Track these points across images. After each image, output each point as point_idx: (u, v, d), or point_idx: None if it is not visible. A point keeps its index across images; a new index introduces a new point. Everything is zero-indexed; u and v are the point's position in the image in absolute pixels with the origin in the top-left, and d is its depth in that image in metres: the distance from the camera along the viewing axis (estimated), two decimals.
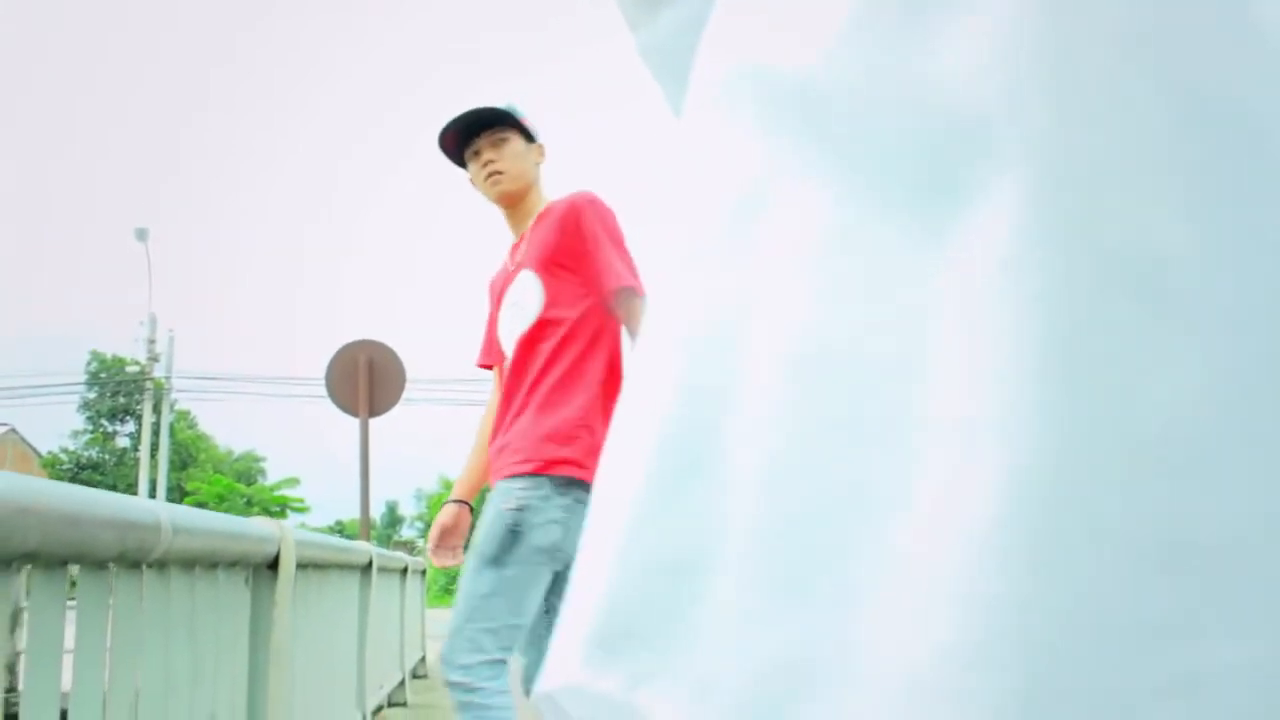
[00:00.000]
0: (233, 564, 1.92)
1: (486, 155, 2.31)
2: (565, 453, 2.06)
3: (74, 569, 1.22)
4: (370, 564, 3.86)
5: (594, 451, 2.04)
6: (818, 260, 0.32)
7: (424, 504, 59.37)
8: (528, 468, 2.07)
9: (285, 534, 2.20)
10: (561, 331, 2.16)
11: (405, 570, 5.72)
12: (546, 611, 2.15)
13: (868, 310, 0.31)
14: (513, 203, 2.33)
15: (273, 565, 2.17)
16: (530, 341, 2.19)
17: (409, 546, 8.72)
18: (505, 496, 2.07)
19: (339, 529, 68.30)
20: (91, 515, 1.18)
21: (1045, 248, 0.28)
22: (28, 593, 1.12)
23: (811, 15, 0.34)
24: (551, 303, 2.17)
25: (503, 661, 2.07)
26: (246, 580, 2.06)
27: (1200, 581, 0.25)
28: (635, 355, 0.40)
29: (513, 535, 2.03)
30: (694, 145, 0.40)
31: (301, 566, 2.42)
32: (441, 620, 3.08)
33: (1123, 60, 0.28)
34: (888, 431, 0.29)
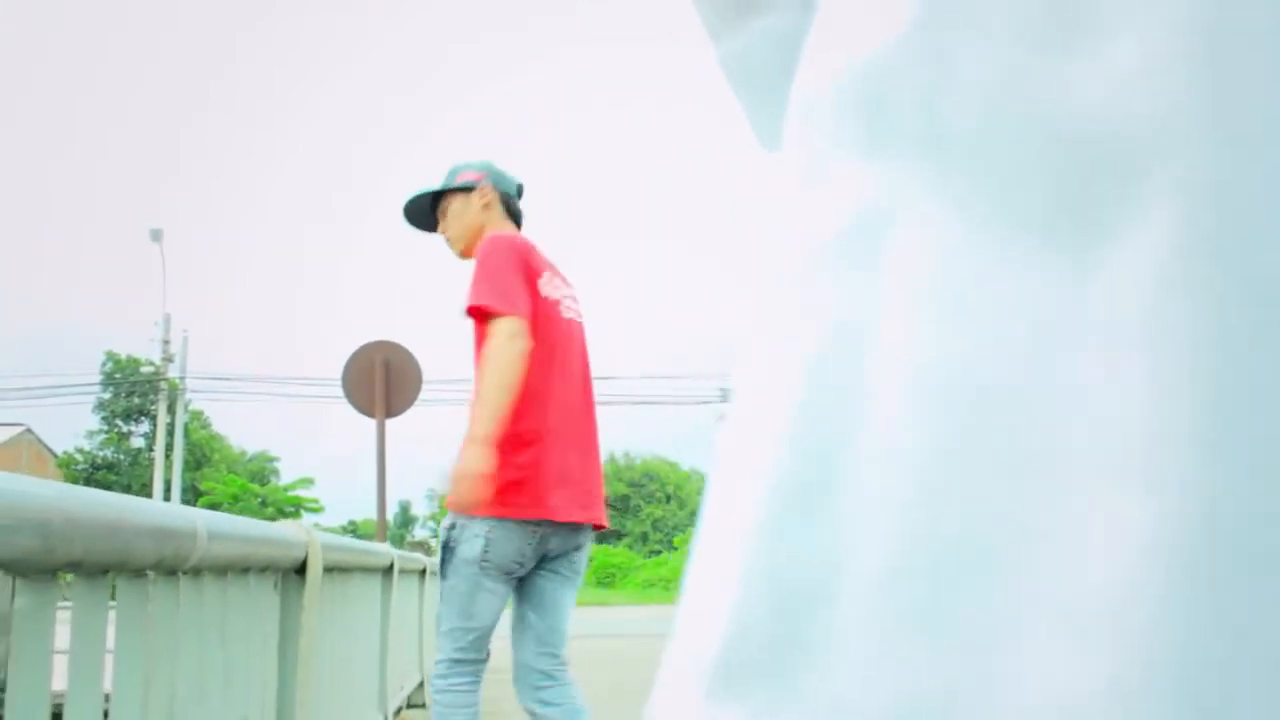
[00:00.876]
0: (263, 569, 1.93)
1: (441, 227, 2.66)
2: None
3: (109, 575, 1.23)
4: (392, 566, 3.87)
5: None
6: (944, 283, 0.31)
7: (436, 504, 59.48)
8: None
9: (312, 538, 2.21)
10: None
11: (424, 571, 5.73)
12: (538, 618, 2.42)
13: (1002, 335, 0.30)
14: (471, 254, 2.52)
15: (300, 570, 2.18)
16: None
17: (424, 547, 8.67)
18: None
19: (352, 528, 68.43)
20: (132, 524, 1.18)
21: (1200, 275, 0.27)
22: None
23: (929, 31, 0.34)
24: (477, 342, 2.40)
25: (461, 661, 2.35)
26: (275, 585, 2.07)
27: None
28: (740, 376, 0.39)
29: (446, 550, 2.37)
30: (798, 162, 0.39)
31: (327, 570, 2.43)
32: None
33: None
34: (1029, 460, 0.29)
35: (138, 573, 1.27)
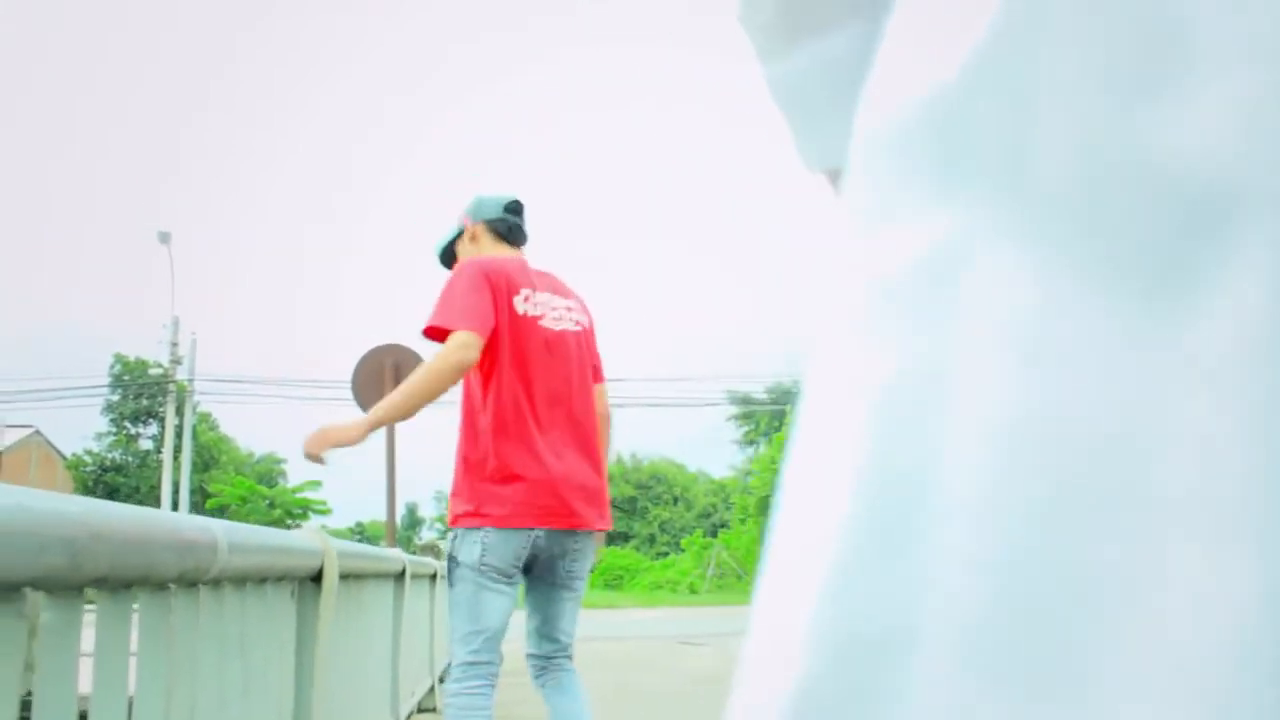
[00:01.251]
0: (280, 578, 1.93)
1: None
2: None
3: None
4: (404, 572, 3.87)
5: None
6: (1032, 329, 0.31)
7: (444, 506, 59.54)
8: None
9: (328, 547, 2.21)
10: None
11: (434, 576, 5.73)
12: (539, 617, 2.62)
13: (1097, 384, 0.29)
14: None
15: (316, 578, 2.18)
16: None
17: (434, 550, 8.63)
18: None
19: (359, 530, 68.53)
20: (156, 537, 1.18)
21: None
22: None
23: (1009, 69, 0.33)
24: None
25: (474, 664, 2.46)
26: (292, 593, 2.07)
27: None
28: (807, 411, 0.38)
29: (450, 560, 2.55)
30: (863, 197, 0.38)
31: (341, 577, 2.42)
32: None
33: None
34: (1128, 512, 0.28)
35: (160, 586, 1.27)
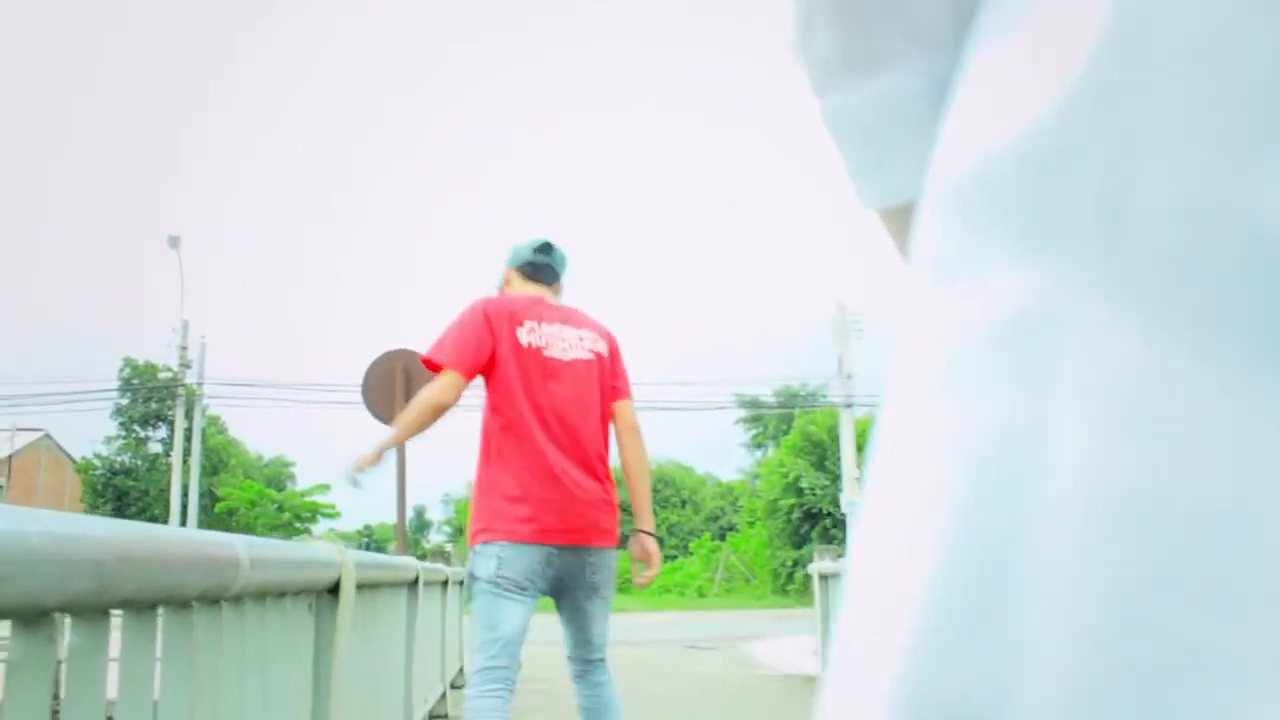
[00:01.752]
0: (298, 592, 1.92)
1: None
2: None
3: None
4: (417, 580, 3.86)
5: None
6: (1125, 396, 0.29)
7: (451, 508, 59.53)
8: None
9: (345, 559, 2.20)
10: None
11: (445, 582, 5.72)
12: (569, 627, 2.86)
13: (1193, 456, 0.28)
14: None
15: (333, 589, 2.17)
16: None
17: (444, 556, 8.57)
18: None
19: (368, 533, 68.60)
20: (180, 556, 1.17)
21: None
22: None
23: (1106, 118, 0.32)
24: None
25: (491, 668, 2.65)
26: (310, 606, 2.06)
27: None
28: (880, 477, 0.37)
29: (470, 576, 2.76)
30: (940, 249, 0.37)
31: (357, 588, 2.42)
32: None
33: None
34: (1242, 592, 0.27)
35: (183, 604, 1.26)
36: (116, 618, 1.10)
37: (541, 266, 3.02)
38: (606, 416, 2.90)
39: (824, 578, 7.98)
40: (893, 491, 0.36)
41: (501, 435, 2.74)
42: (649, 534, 2.98)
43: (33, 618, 0.87)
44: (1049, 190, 0.32)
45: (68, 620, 0.98)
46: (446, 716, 5.48)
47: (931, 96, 0.44)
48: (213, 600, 1.37)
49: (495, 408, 2.77)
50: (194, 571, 1.23)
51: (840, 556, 8.42)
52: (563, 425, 2.76)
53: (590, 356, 2.88)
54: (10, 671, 0.86)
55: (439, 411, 2.74)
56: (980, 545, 0.31)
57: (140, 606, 1.13)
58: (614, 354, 2.97)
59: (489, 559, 2.67)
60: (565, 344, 2.84)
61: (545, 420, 2.74)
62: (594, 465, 2.79)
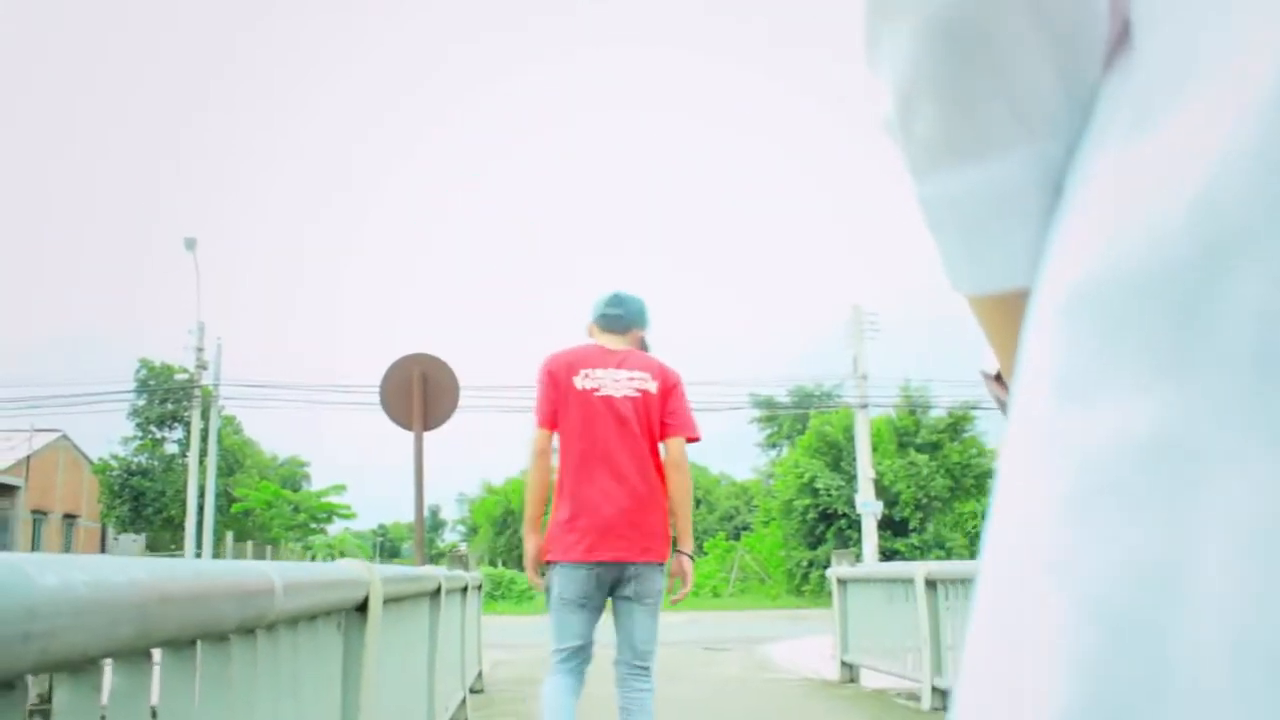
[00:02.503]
0: (329, 613, 1.91)
1: None
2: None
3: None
4: (439, 590, 3.85)
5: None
6: (1271, 531, 0.28)
7: (466, 508, 59.60)
8: None
9: (373, 577, 2.19)
10: None
11: (465, 589, 5.72)
12: (618, 630, 3.26)
13: None
14: None
15: (360, 607, 2.16)
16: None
17: (463, 560, 8.53)
18: None
19: (382, 533, 68.58)
20: (218, 590, 1.16)
21: None
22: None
23: (1254, 229, 0.29)
24: None
25: (560, 660, 3.19)
26: (339, 625, 2.05)
27: None
28: (998, 606, 0.35)
29: (546, 592, 3.30)
30: (1062, 361, 0.35)
31: (384, 602, 2.41)
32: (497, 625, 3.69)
33: None
34: None
35: (221, 637, 1.25)
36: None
37: (612, 318, 3.45)
38: (655, 448, 3.28)
39: (842, 582, 7.97)
40: (1014, 629, 0.34)
41: (563, 469, 3.22)
42: (687, 555, 3.36)
43: (79, 667, 0.86)
44: (1198, 304, 0.30)
45: (109, 664, 0.97)
46: None
47: (1042, 185, 0.42)
48: (249, 630, 1.36)
49: (561, 446, 3.26)
50: (231, 603, 1.22)
51: (858, 559, 8.38)
52: (608, 457, 3.19)
53: (637, 395, 3.27)
54: None
55: (542, 462, 3.28)
56: (1114, 682, 0.30)
57: (180, 644, 1.12)
58: (667, 393, 3.33)
59: (551, 579, 3.22)
60: (616, 385, 3.27)
61: (595, 453, 3.19)
62: (635, 492, 3.19)
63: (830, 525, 25.84)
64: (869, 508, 22.51)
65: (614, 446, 3.19)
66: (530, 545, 3.28)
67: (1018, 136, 0.42)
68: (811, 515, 26.02)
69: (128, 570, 0.92)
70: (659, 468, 3.27)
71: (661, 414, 3.30)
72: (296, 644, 1.66)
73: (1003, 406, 0.54)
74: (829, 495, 25.59)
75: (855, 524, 24.23)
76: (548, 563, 3.21)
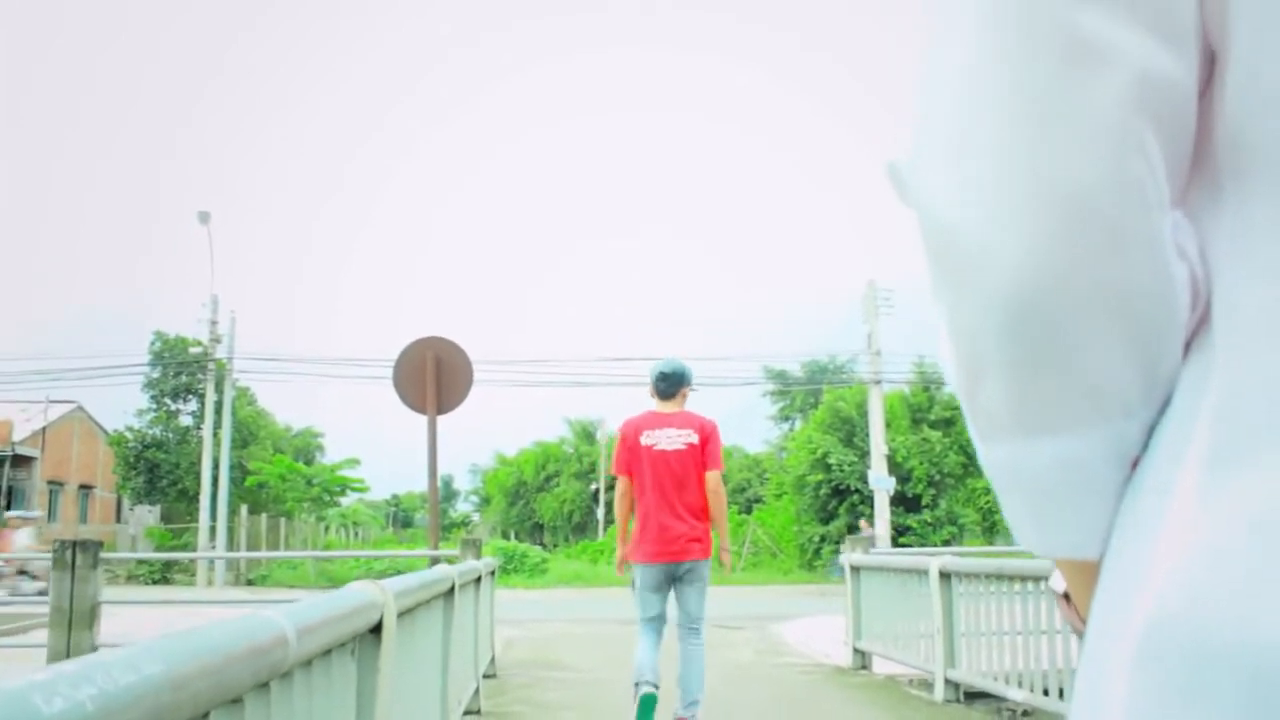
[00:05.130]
0: (342, 644, 1.90)
1: None
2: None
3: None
4: (453, 588, 3.85)
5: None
6: None
7: (479, 479, 59.79)
8: None
9: (387, 596, 2.18)
10: None
11: (479, 579, 5.72)
12: (679, 604, 4.94)
13: None
14: None
15: (375, 628, 2.15)
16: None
17: (475, 545, 8.48)
18: None
19: (395, 503, 68.81)
20: (228, 656, 1.15)
21: None
22: None
23: None
24: None
25: (643, 626, 4.92)
26: (352, 652, 2.04)
27: None
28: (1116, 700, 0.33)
29: (632, 584, 5.07)
30: None
31: (397, 616, 2.40)
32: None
33: None
34: None
35: (235, 700, 1.24)
36: None
37: (664, 389, 5.03)
38: (701, 481, 4.88)
39: (855, 569, 7.96)
40: None
41: (638, 500, 4.91)
42: (726, 550, 5.15)
43: None
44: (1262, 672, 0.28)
45: None
46: (480, 712, 5.50)
47: (1114, 461, 0.40)
48: (263, 684, 1.35)
49: (635, 486, 4.94)
50: (244, 665, 1.21)
51: (871, 548, 8.36)
52: (663, 492, 4.84)
53: (684, 447, 4.90)
54: None
55: (624, 499, 5.04)
56: None
57: (195, 718, 1.10)
58: (705, 440, 4.92)
59: (634, 573, 4.96)
60: (670, 440, 4.91)
61: (656, 489, 4.84)
62: (685, 514, 4.84)
63: (843, 501, 25.85)
64: (882, 484, 22.51)
65: (669, 484, 4.84)
66: (620, 552, 5.15)
67: (1091, 418, 0.39)
68: (824, 491, 26.02)
69: (139, 666, 0.90)
70: (703, 493, 4.86)
71: (703, 456, 4.92)
72: (310, 684, 1.64)
73: (1071, 625, 0.52)
74: (842, 471, 25.57)
75: (868, 500, 24.24)
76: (630, 562, 4.96)
